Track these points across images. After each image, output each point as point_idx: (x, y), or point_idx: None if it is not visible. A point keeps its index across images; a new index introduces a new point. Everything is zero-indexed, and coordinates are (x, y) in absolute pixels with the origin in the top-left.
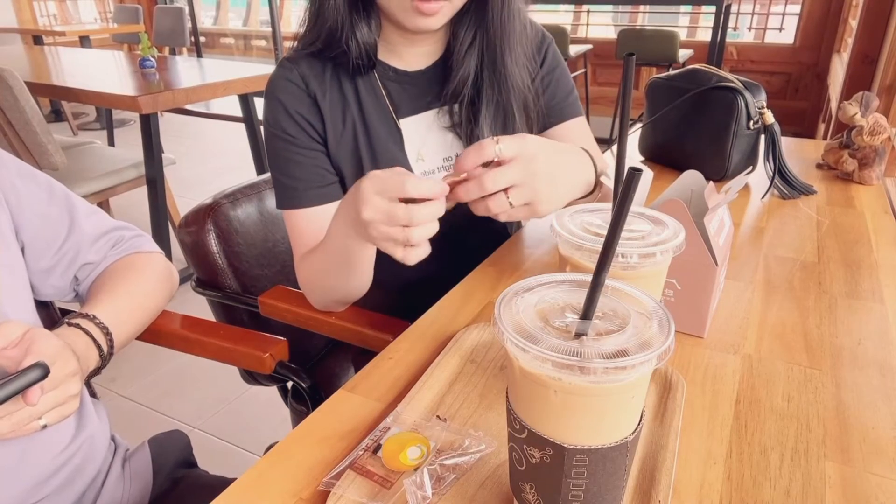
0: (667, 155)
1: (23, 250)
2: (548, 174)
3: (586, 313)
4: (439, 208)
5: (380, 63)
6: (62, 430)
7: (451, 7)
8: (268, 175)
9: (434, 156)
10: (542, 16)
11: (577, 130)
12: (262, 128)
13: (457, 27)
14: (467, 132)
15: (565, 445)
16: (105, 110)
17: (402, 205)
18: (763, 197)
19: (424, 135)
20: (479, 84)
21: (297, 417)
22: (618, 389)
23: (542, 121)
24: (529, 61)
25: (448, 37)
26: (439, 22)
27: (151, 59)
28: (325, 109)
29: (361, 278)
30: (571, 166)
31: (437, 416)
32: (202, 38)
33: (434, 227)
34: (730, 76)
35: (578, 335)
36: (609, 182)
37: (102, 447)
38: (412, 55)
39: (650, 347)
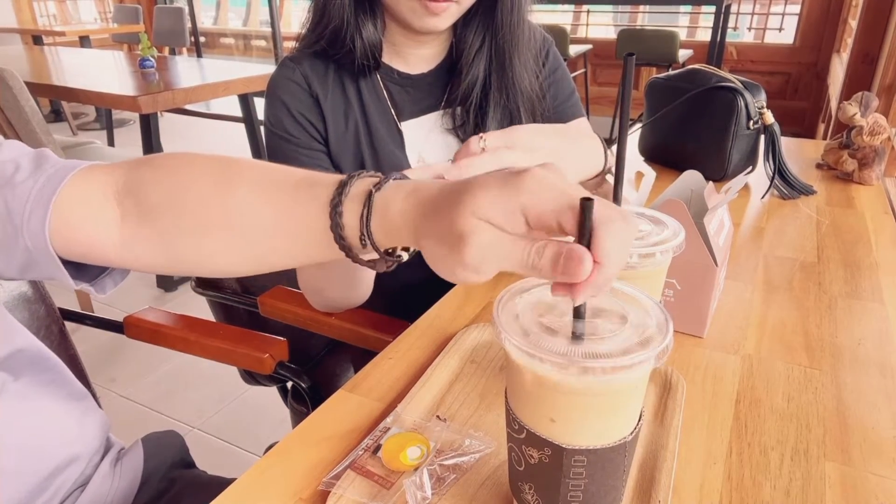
0: (667, 155)
1: None
2: (547, 158)
3: (577, 311)
4: None
5: (383, 65)
6: (66, 428)
7: (458, 8)
8: None
9: (435, 158)
10: (542, 16)
11: None
12: (262, 127)
13: (464, 31)
14: (474, 135)
15: (564, 446)
16: (105, 110)
17: None
18: (763, 197)
19: (426, 137)
20: (486, 88)
21: (297, 417)
22: (616, 389)
23: (546, 122)
24: (535, 64)
25: (451, 40)
26: (446, 22)
27: (151, 59)
28: (326, 110)
29: (362, 289)
30: (572, 149)
31: (437, 416)
32: (202, 38)
33: None
34: (730, 76)
35: (577, 335)
36: (612, 180)
37: (96, 444)
38: (415, 58)
39: (648, 347)
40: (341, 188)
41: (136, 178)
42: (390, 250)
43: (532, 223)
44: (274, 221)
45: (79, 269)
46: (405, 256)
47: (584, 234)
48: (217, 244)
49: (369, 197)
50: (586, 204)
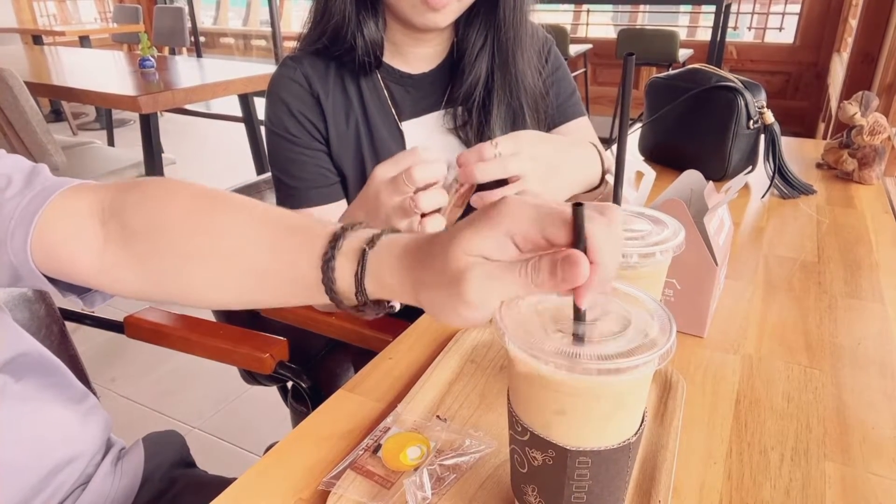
0: (667, 155)
1: None
2: (548, 166)
3: (577, 314)
4: (440, 170)
5: (384, 65)
6: (68, 428)
7: (458, 6)
8: (268, 175)
9: None
10: (542, 15)
11: (580, 131)
12: (262, 127)
13: (467, 30)
14: (478, 134)
15: (568, 448)
16: (105, 110)
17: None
18: (763, 197)
19: (427, 137)
20: (489, 86)
21: (297, 417)
22: (620, 391)
23: (549, 121)
24: (538, 61)
25: (452, 40)
26: (447, 19)
27: (151, 58)
28: (327, 109)
29: None
30: (572, 160)
31: (437, 416)
32: (202, 38)
33: (441, 198)
34: (730, 76)
35: (580, 336)
36: (612, 180)
37: (97, 444)
38: (416, 57)
39: (652, 348)
40: (334, 242)
41: (122, 200)
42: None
43: (521, 245)
44: (260, 264)
45: (69, 283)
46: (397, 307)
47: (580, 237)
48: (197, 275)
49: (363, 256)
50: (577, 209)
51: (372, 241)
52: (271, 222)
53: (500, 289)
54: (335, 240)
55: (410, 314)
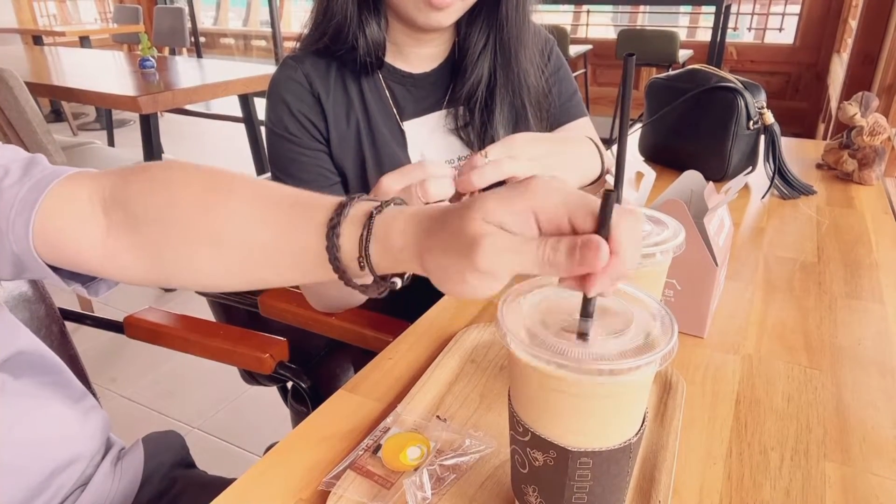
0: (667, 155)
1: None
2: (543, 167)
3: (585, 310)
4: (450, 186)
5: (385, 64)
6: (67, 427)
7: (462, 5)
8: (268, 175)
9: (437, 158)
10: (542, 16)
11: (582, 131)
12: (262, 128)
13: (469, 29)
14: (480, 135)
15: (569, 448)
16: (105, 110)
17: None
18: (763, 197)
19: (428, 137)
20: (492, 86)
21: (297, 417)
22: (621, 391)
23: (551, 120)
24: (541, 60)
25: (454, 40)
26: (450, 18)
27: (151, 59)
28: (328, 109)
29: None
30: (568, 158)
31: (437, 417)
32: (202, 39)
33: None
34: (730, 76)
35: (582, 336)
36: (612, 181)
37: (97, 444)
38: (418, 57)
39: (654, 349)
40: (340, 209)
41: (124, 187)
42: (384, 276)
43: (543, 225)
44: (265, 240)
45: (73, 272)
46: (399, 283)
47: (605, 224)
48: (204, 259)
49: (370, 219)
50: (609, 194)
51: (380, 207)
52: (277, 198)
53: (514, 261)
54: (342, 207)
55: (410, 314)
